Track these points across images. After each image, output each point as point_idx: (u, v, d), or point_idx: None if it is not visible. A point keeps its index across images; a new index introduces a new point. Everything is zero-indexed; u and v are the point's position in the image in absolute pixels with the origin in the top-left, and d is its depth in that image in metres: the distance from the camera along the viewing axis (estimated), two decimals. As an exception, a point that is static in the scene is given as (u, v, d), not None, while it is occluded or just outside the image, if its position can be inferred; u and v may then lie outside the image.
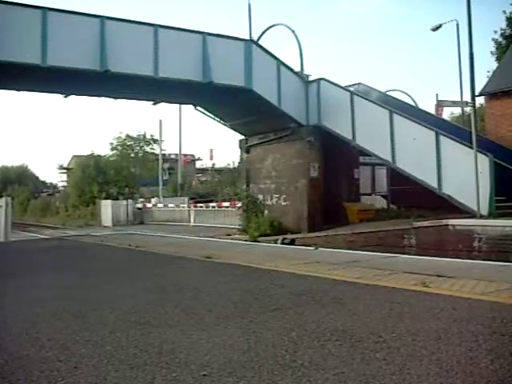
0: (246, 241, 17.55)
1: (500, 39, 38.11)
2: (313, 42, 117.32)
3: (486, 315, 5.09)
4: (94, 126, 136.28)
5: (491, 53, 38.80)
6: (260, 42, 21.93)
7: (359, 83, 26.05)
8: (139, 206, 36.60)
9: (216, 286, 7.49)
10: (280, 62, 20.96)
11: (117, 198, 38.13)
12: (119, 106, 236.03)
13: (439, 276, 7.30)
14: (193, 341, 4.51)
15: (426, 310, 5.40)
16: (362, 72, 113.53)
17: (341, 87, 21.98)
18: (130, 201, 36.86)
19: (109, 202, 36.29)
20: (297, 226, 20.88)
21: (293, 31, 22.40)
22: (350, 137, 20.67)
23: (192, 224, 28.89)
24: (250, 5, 27.68)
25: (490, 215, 16.81)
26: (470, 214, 17.34)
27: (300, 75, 22.13)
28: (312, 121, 21.48)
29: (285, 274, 8.32)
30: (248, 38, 21.81)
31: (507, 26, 37.63)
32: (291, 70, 21.68)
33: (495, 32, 38.59)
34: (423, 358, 3.88)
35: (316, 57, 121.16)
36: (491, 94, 22.83)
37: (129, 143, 60.63)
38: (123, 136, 60.17)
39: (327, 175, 21.68)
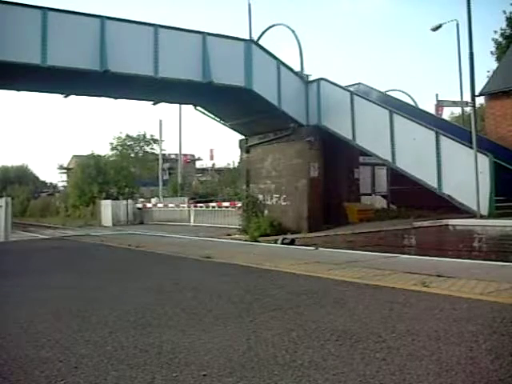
0: (246, 241, 17.55)
1: (500, 39, 38.10)
2: (313, 41, 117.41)
3: (486, 315, 5.09)
4: (94, 126, 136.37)
5: (491, 53, 38.82)
6: (260, 42, 21.94)
7: (359, 83, 26.06)
8: (139, 206, 36.57)
9: (216, 286, 7.49)
10: (280, 62, 20.96)
11: (117, 198, 38.10)
12: (119, 106, 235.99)
13: (439, 276, 7.30)
14: (193, 341, 4.51)
15: (426, 310, 5.40)
16: (362, 72, 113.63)
17: (341, 87, 21.98)
18: (130, 201, 36.85)
19: (109, 202, 36.29)
20: (297, 226, 20.88)
21: (293, 31, 22.42)
22: (350, 137, 20.67)
23: (192, 224, 28.90)
24: (250, 5, 27.73)
25: (490, 215, 16.82)
26: (470, 214, 17.35)
27: (300, 75, 22.13)
28: (312, 121, 21.48)
29: (285, 274, 8.32)
30: (248, 37, 21.83)
31: (507, 25, 37.62)
32: (291, 69, 21.68)
33: (495, 32, 38.61)
34: (423, 357, 3.88)
35: (316, 57, 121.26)
36: (491, 93, 22.84)
37: (129, 143, 60.81)
38: (123, 136, 60.46)
39: (327, 175, 21.68)
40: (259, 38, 23.27)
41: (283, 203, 22.08)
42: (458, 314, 5.15)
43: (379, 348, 4.14)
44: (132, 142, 61.03)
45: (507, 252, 13.75)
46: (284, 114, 20.84)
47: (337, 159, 22.37)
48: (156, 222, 33.19)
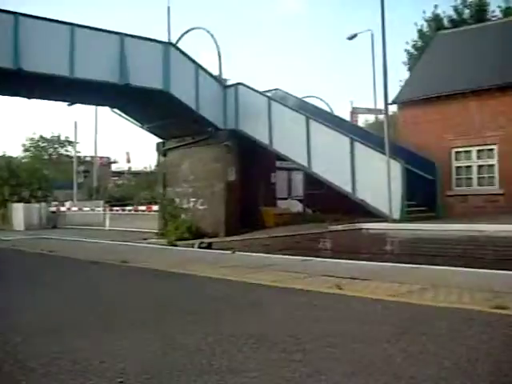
0: (163, 245, 17.36)
1: (412, 50, 39.55)
2: (233, 46, 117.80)
3: (398, 316, 5.24)
4: (5, 126, 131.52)
5: (403, 63, 40.23)
6: (179, 45, 21.83)
7: (277, 89, 26.37)
8: (53, 209, 35.56)
9: (131, 290, 7.38)
10: (198, 66, 20.92)
11: (29, 201, 36.87)
12: (33, 106, 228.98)
13: (353, 278, 7.45)
14: (108, 348, 4.42)
15: (341, 312, 5.51)
16: (282, 77, 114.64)
17: (258, 92, 22.18)
18: (43, 204, 35.67)
19: (20, 205, 34.98)
20: (214, 229, 20.84)
21: (211, 35, 22.52)
22: (267, 141, 20.88)
23: (107, 228, 28.32)
24: (169, 8, 27.97)
25: (402, 220, 17.38)
26: (383, 218, 17.87)
27: (218, 79, 22.18)
28: (230, 125, 21.54)
29: (201, 278, 8.28)
30: (167, 40, 21.69)
31: (419, 38, 39.10)
32: (209, 73, 21.69)
33: (407, 43, 40.08)
34: (339, 358, 3.95)
35: (236, 62, 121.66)
36: (403, 102, 23.66)
37: (42, 145, 59.28)
38: (36, 137, 58.81)
39: (244, 179, 21.79)
40: (178, 40, 23.19)
41: (200, 207, 22.02)
42: (371, 315, 5.28)
43: (296, 350, 4.18)
44: (46, 144, 59.53)
45: (417, 254, 14.21)
46: (202, 118, 20.80)
47: (254, 163, 22.52)
48: (70, 225, 32.34)
